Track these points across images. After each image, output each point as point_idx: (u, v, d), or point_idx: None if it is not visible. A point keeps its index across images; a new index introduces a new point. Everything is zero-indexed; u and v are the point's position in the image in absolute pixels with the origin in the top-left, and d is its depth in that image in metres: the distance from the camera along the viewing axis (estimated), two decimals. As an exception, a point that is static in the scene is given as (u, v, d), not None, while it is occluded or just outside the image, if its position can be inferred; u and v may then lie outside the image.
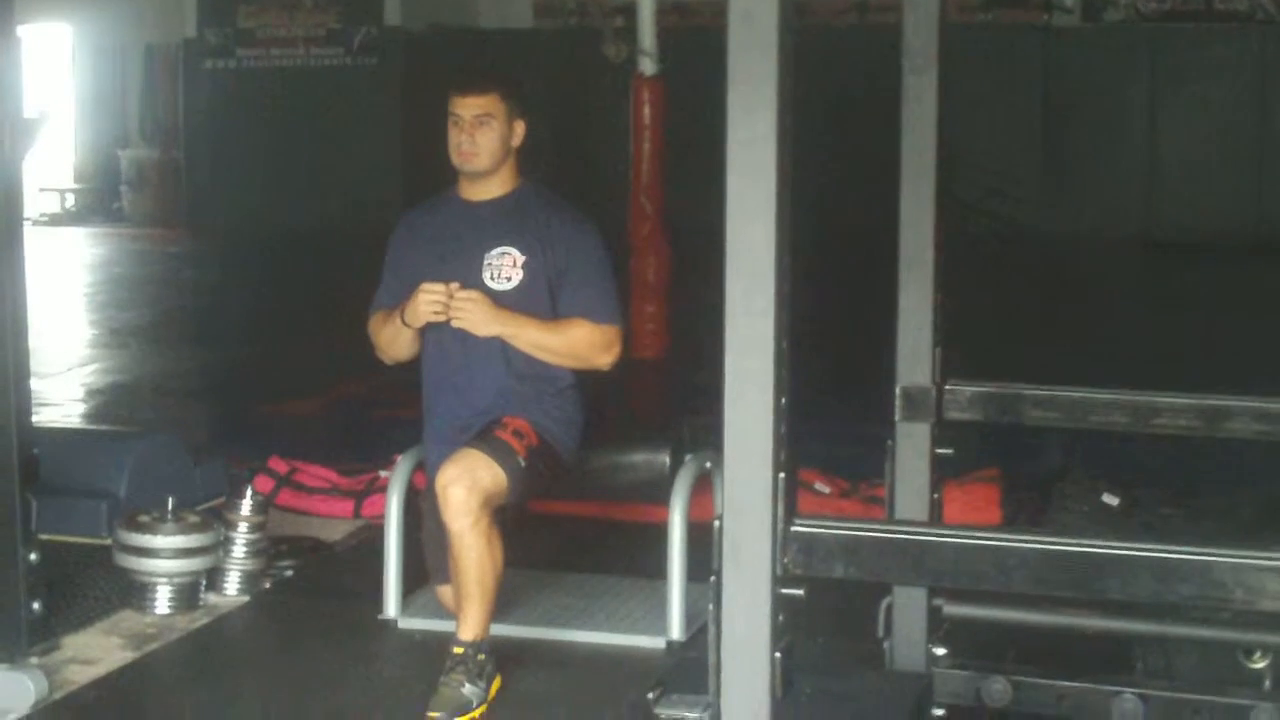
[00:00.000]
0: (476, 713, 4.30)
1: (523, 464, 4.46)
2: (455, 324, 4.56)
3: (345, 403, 8.43)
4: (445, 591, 4.71)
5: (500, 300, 4.58)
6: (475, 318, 4.55)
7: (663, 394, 9.30)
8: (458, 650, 4.35)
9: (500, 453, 4.43)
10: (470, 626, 4.36)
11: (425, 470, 4.79)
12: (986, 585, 2.68)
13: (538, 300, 4.62)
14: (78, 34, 20.90)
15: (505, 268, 4.62)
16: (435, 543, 4.67)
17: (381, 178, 16.92)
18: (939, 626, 3.91)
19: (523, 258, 4.62)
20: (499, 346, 4.60)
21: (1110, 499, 5.95)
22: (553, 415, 4.64)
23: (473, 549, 4.33)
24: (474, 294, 4.55)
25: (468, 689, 4.30)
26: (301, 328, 11.48)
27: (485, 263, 4.63)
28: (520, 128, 4.69)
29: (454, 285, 4.55)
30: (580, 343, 4.62)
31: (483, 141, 4.62)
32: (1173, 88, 17.02)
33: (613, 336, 4.65)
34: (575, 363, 4.65)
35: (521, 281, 4.61)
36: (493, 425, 4.53)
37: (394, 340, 4.71)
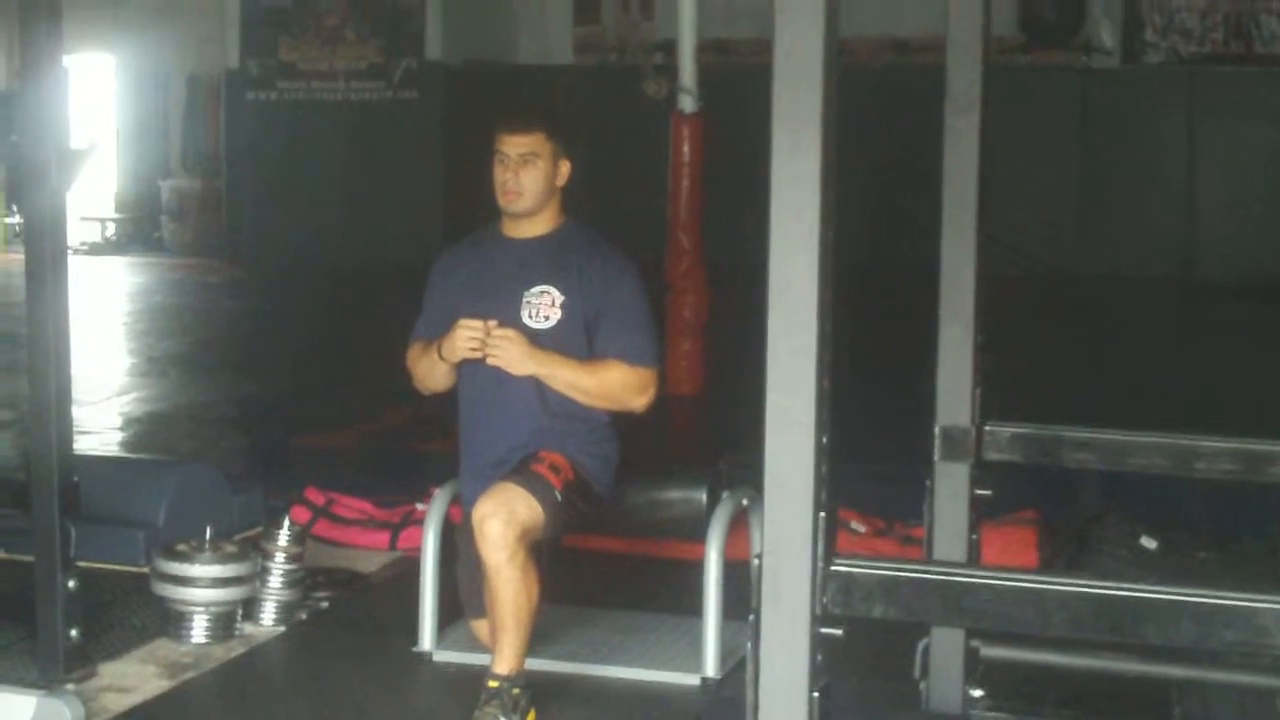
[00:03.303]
0: None
1: (559, 498, 4.46)
2: (491, 361, 4.57)
3: (382, 434, 8.45)
4: (480, 626, 4.71)
5: (537, 339, 4.59)
6: (511, 356, 4.56)
7: (700, 431, 9.29)
8: (493, 684, 4.35)
9: (537, 487, 4.43)
10: (506, 660, 4.36)
11: (461, 504, 4.80)
12: (1025, 628, 2.67)
13: (575, 340, 4.62)
14: (121, 64, 21.07)
15: (544, 306, 4.63)
16: (470, 577, 4.67)
17: (421, 211, 16.99)
18: (976, 668, 3.90)
19: (562, 297, 4.63)
20: (534, 384, 4.61)
21: (1149, 542, 5.91)
22: (588, 451, 4.64)
23: (509, 583, 4.33)
24: (510, 332, 4.56)
25: None
26: (340, 359, 11.51)
27: (524, 301, 4.64)
28: (565, 167, 4.70)
29: (492, 322, 4.56)
30: (615, 385, 4.63)
31: (528, 181, 4.63)
32: (1211, 129, 16.96)
33: (648, 379, 4.65)
34: (609, 404, 4.65)
35: (560, 321, 4.61)
36: (529, 459, 4.53)
37: (430, 372, 4.73)
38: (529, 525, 4.37)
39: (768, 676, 2.66)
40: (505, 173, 4.64)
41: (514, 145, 4.64)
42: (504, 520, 4.32)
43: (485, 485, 4.50)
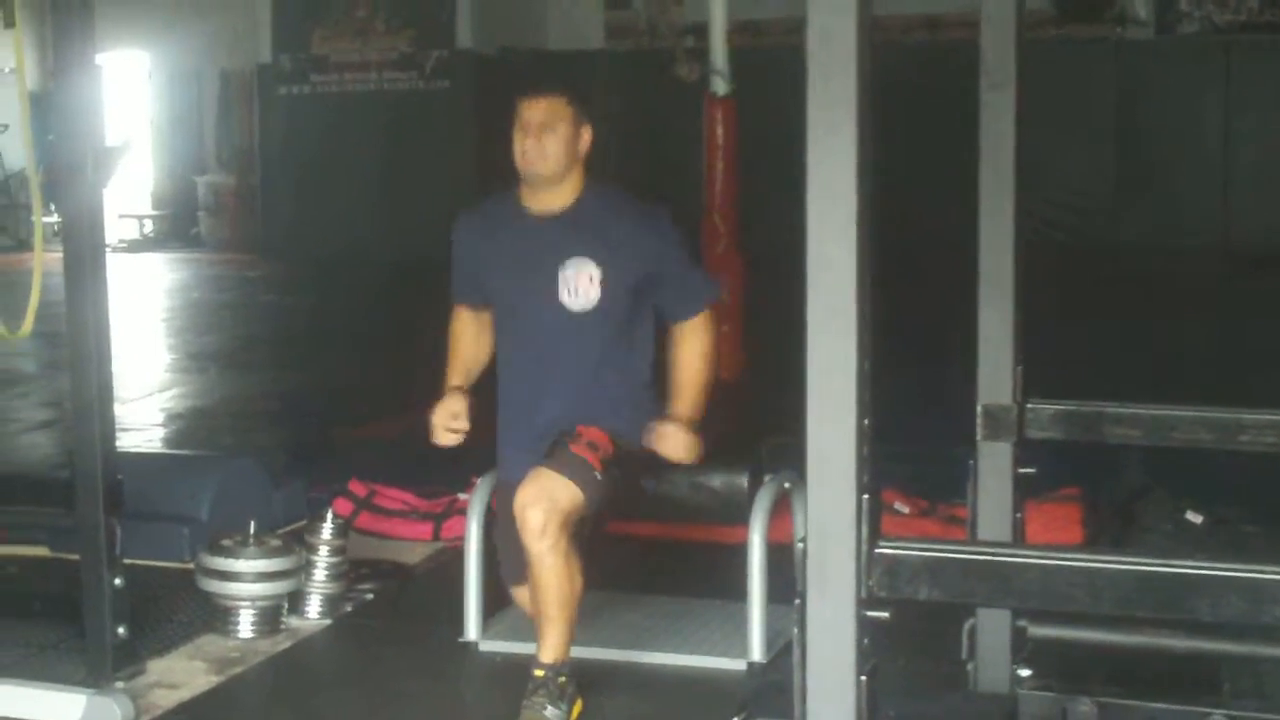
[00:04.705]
0: None
1: (599, 477, 4.42)
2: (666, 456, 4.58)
3: (424, 425, 8.45)
4: (520, 593, 4.67)
5: (582, 323, 4.55)
6: (679, 452, 4.56)
7: (740, 415, 9.27)
8: (539, 673, 4.35)
9: (577, 470, 4.40)
10: (551, 649, 4.36)
11: (499, 471, 4.78)
12: (1073, 607, 2.65)
13: (618, 315, 4.56)
14: (154, 61, 21.16)
15: (582, 285, 4.55)
16: (507, 545, 4.64)
17: (456, 200, 16.97)
18: (1023, 648, 3.88)
19: (598, 272, 4.54)
20: (576, 352, 4.56)
21: (1194, 517, 5.88)
22: (628, 418, 4.58)
23: (552, 570, 4.32)
24: (668, 428, 4.54)
25: (550, 712, 4.30)
26: (378, 350, 11.53)
27: (560, 279, 4.55)
28: (587, 134, 4.60)
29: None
30: (709, 344, 4.63)
31: (550, 146, 4.53)
32: (1248, 98, 16.88)
33: (712, 314, 4.67)
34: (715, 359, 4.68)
35: (601, 300, 4.55)
36: (568, 438, 4.49)
37: (468, 344, 4.75)
38: (570, 511, 4.36)
39: (815, 661, 2.65)
40: (526, 139, 4.54)
41: (535, 110, 4.55)
42: (545, 510, 4.31)
43: (525, 457, 4.49)
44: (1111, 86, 17.20)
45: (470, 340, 4.76)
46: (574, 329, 4.55)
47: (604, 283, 4.55)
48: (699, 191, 10.16)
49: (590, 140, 4.62)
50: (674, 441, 4.54)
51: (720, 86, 10.00)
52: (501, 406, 4.74)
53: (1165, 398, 4.21)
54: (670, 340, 4.63)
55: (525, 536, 4.34)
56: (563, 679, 4.35)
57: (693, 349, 4.60)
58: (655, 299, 4.60)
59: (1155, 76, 17.04)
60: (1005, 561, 2.66)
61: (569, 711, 4.35)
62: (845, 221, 2.63)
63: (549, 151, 4.53)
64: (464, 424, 4.60)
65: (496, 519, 4.78)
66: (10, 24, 4.86)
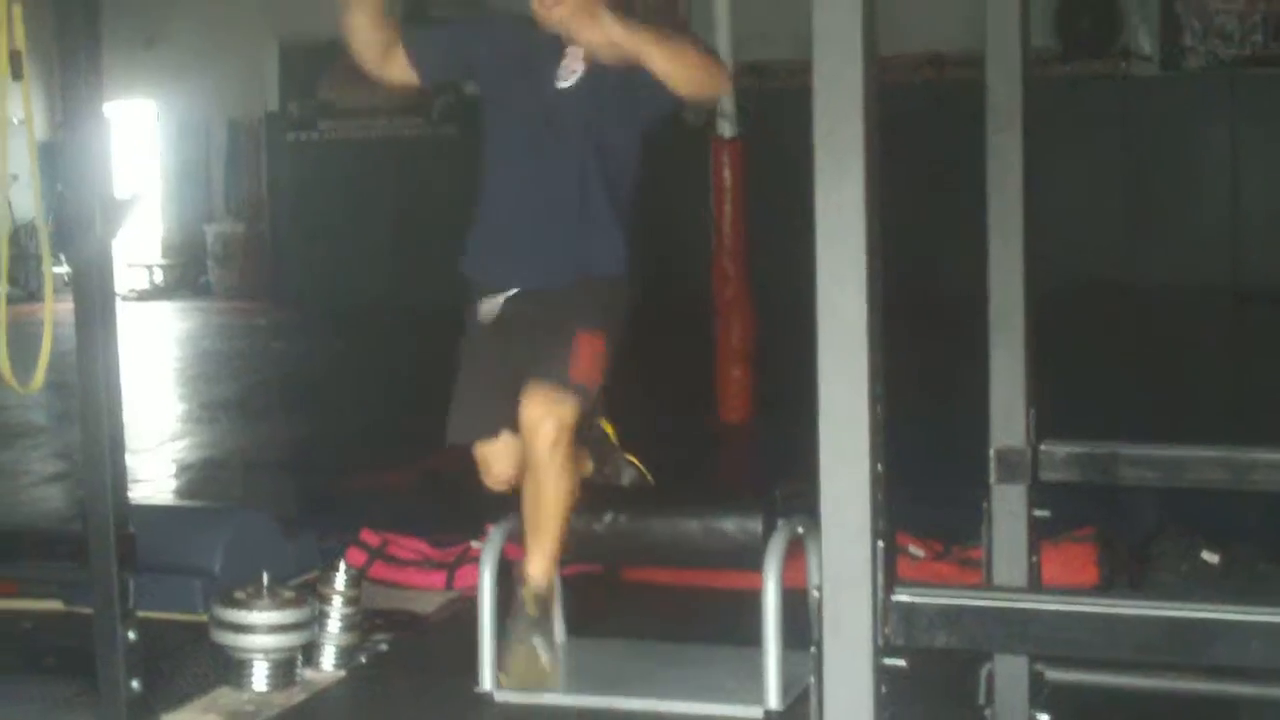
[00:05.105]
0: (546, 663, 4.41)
1: (599, 388, 4.58)
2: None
3: (435, 473, 8.45)
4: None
5: (570, 108, 4.57)
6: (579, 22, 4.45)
7: (752, 459, 9.27)
8: (527, 598, 4.50)
9: (580, 390, 4.52)
10: (540, 562, 4.50)
11: (473, 277, 4.80)
12: (1092, 653, 2.64)
13: (599, 97, 4.58)
14: (162, 109, 21.22)
15: (571, 63, 4.61)
16: (481, 385, 4.68)
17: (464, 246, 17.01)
18: (1041, 692, 3.86)
19: (587, 64, 4.57)
20: (579, 165, 4.61)
21: (1210, 556, 5.86)
22: (621, 256, 4.64)
23: (557, 482, 4.44)
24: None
25: (538, 641, 4.36)
26: (388, 398, 11.53)
27: (559, 72, 4.63)
28: None
29: None
30: (694, 55, 4.52)
31: None
32: (1255, 134, 16.87)
33: (721, 64, 4.63)
34: (697, 83, 4.51)
35: (583, 75, 4.58)
36: (569, 345, 4.52)
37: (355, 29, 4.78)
38: (575, 422, 4.49)
39: (832, 709, 2.63)
40: None
41: None
42: (556, 424, 4.43)
43: (513, 270, 4.65)
44: (1117, 123, 17.21)
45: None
46: (570, 120, 4.58)
47: (592, 63, 4.55)
48: (708, 234, 10.18)
49: None
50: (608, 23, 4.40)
51: (727, 129, 10.03)
52: (487, 211, 4.78)
53: (1178, 437, 4.19)
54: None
55: (536, 444, 4.44)
56: (545, 597, 4.47)
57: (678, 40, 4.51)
58: (640, 95, 4.54)
59: (1161, 112, 17.05)
60: (1021, 608, 2.65)
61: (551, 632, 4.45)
62: (855, 264, 2.62)
63: None
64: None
65: (464, 363, 4.79)
66: (18, 76, 4.86)
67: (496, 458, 4.68)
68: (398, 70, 4.80)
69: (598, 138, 4.61)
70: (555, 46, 4.66)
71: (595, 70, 4.58)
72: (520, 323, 4.70)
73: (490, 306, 4.70)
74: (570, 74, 4.60)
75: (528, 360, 4.57)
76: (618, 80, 4.55)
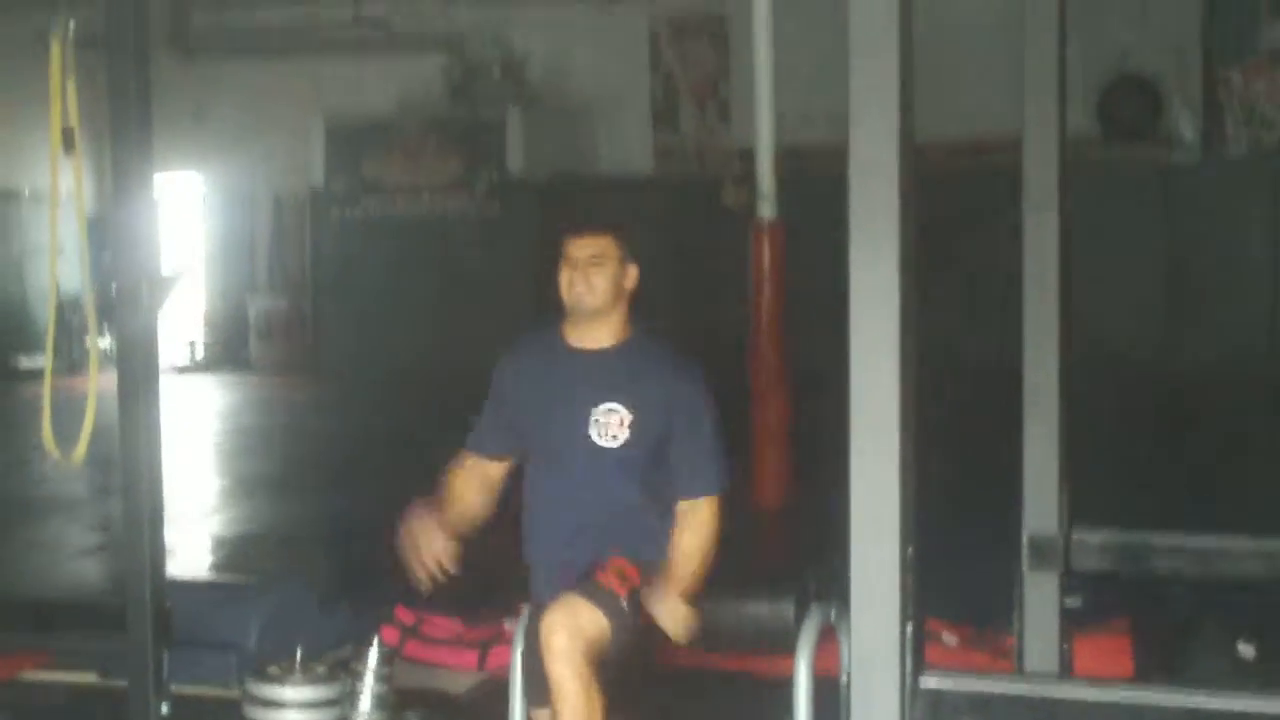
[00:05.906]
0: None
1: (624, 606, 4.46)
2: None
3: (470, 551, 8.44)
4: (542, 716, 4.68)
5: (604, 459, 4.61)
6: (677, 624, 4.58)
7: (786, 543, 9.24)
8: None
9: (602, 599, 4.45)
10: None
11: (531, 596, 4.80)
12: (1122, 742, 2.63)
13: (640, 459, 4.63)
14: (208, 183, 21.38)
15: (612, 425, 4.65)
16: (533, 663, 4.64)
17: (507, 325, 17.04)
18: (1073, 780, 3.84)
19: (630, 416, 4.63)
20: (607, 484, 4.62)
21: (1246, 649, 5.80)
22: (660, 547, 4.62)
23: (572, 696, 4.33)
24: (671, 600, 4.56)
25: None
26: (426, 477, 11.53)
27: (592, 419, 4.65)
28: (633, 272, 4.71)
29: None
30: (712, 527, 4.62)
31: (596, 281, 4.64)
32: (1296, 222, 16.83)
33: (722, 501, 4.67)
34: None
35: (627, 440, 4.63)
36: (597, 567, 4.54)
37: (461, 497, 4.85)
38: (594, 638, 4.39)
39: (861, 795, 2.63)
40: (574, 273, 4.66)
41: (582, 248, 4.66)
42: (570, 634, 4.35)
43: (554, 579, 4.57)
44: (1159, 210, 17.18)
45: (472, 493, 4.86)
46: (605, 464, 4.63)
47: (633, 425, 4.63)
48: (746, 316, 10.20)
49: (635, 278, 4.72)
50: (672, 609, 4.55)
51: (767, 210, 10.07)
52: (532, 529, 4.78)
53: (1214, 526, 4.18)
54: (675, 515, 4.65)
55: (549, 658, 4.37)
56: None
57: (691, 541, 4.62)
58: (669, 459, 4.65)
59: (1203, 200, 17.01)
60: (1051, 697, 2.65)
61: None
62: (888, 348, 2.65)
63: (596, 285, 4.64)
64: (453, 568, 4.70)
65: (525, 643, 4.79)
66: (70, 149, 4.91)
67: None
68: (494, 471, 4.88)
69: (637, 477, 4.67)
70: (583, 375, 4.71)
71: (637, 429, 4.64)
72: None
73: None
74: (611, 436, 4.65)
75: None
76: (658, 444, 4.64)
